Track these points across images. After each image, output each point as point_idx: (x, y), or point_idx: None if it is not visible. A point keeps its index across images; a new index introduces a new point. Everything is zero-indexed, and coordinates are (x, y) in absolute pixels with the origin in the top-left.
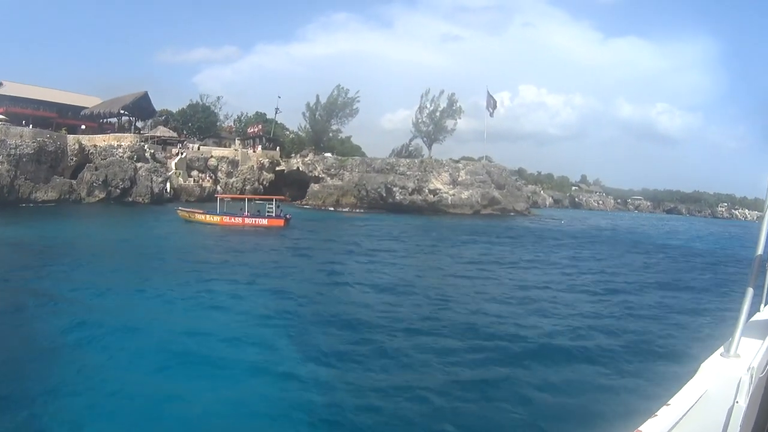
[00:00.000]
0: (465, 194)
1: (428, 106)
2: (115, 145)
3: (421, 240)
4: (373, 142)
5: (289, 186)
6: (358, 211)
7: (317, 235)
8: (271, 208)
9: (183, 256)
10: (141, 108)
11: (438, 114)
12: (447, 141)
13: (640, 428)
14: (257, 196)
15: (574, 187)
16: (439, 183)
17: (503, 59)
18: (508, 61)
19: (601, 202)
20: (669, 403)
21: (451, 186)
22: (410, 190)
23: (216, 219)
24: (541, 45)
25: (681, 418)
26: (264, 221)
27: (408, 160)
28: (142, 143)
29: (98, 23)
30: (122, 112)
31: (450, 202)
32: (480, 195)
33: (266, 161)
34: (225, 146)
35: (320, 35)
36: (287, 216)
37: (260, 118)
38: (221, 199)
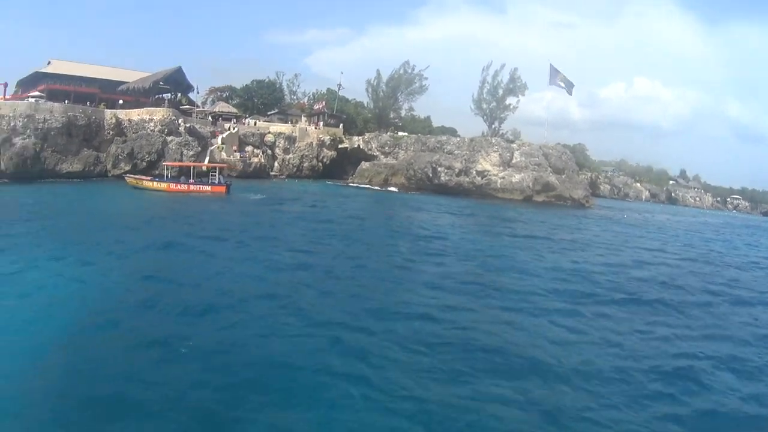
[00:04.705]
0: (516, 177)
1: (490, 81)
2: (147, 119)
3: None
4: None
5: (354, 165)
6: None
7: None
8: (215, 175)
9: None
10: (176, 82)
11: (500, 91)
12: (555, 129)
13: None
14: (203, 165)
15: (671, 182)
16: (487, 164)
17: (616, 49)
18: (622, 51)
19: (698, 198)
20: None
21: (502, 168)
22: (457, 171)
23: (163, 186)
24: (653, 35)
25: None
26: (207, 188)
27: (458, 139)
28: (174, 117)
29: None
30: (162, 85)
31: (499, 186)
32: (533, 179)
33: (327, 138)
34: (292, 123)
35: (433, 19)
36: (228, 183)
37: (332, 95)
38: (167, 166)
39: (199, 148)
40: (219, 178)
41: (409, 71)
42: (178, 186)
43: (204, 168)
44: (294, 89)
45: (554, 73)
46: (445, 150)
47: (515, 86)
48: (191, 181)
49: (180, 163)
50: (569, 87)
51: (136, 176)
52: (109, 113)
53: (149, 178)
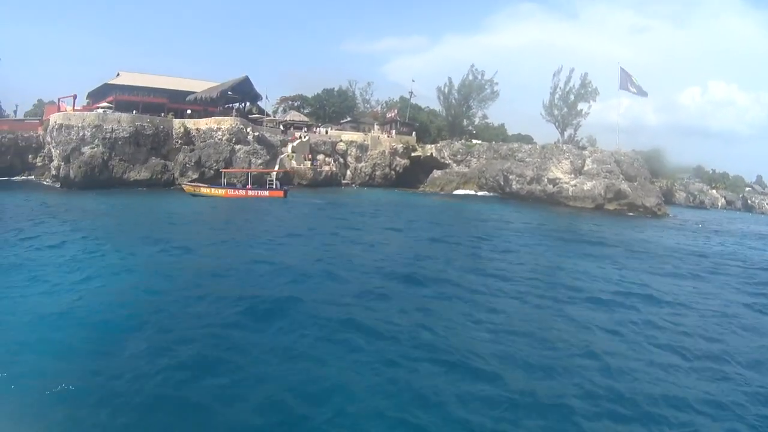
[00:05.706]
0: (588, 185)
1: (561, 86)
2: (215, 128)
3: None
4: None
5: (427, 173)
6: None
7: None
8: (272, 180)
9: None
10: (243, 92)
11: (572, 96)
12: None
13: None
14: (260, 170)
15: (747, 188)
16: (559, 172)
17: (691, 51)
18: (696, 53)
19: None
20: None
21: (573, 175)
22: (528, 179)
23: (221, 192)
24: (728, 36)
25: None
26: (265, 192)
27: (529, 146)
28: (242, 126)
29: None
30: (230, 95)
31: (570, 194)
32: (604, 187)
33: (399, 146)
34: (364, 131)
35: (507, 26)
36: (286, 189)
37: (405, 103)
38: (224, 173)
39: (268, 157)
40: (276, 184)
41: (479, 77)
42: (236, 192)
43: (272, 175)
44: (367, 97)
45: (625, 77)
46: (517, 158)
47: (586, 92)
48: (249, 186)
49: (237, 169)
50: (641, 91)
51: (193, 183)
52: (177, 122)
53: (206, 185)
